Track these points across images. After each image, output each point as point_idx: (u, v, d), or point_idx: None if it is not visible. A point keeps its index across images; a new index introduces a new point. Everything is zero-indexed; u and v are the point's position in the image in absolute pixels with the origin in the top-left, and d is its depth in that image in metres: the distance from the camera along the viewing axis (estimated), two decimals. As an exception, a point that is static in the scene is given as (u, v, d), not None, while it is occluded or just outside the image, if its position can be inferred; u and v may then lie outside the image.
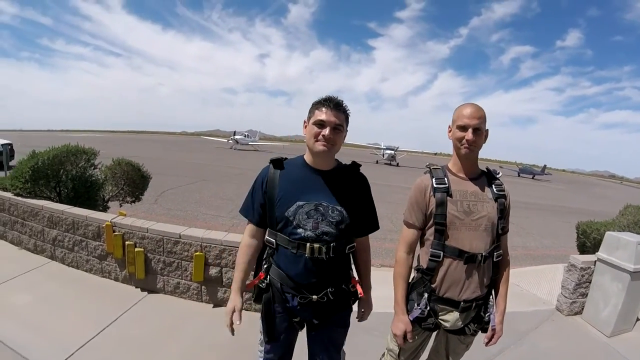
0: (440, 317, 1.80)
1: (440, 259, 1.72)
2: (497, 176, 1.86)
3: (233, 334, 1.73)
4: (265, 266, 1.81)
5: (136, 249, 3.62)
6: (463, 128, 1.69)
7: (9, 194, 4.66)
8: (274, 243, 1.72)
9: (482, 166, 1.91)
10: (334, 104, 1.64)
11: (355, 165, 1.83)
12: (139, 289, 3.75)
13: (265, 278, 1.78)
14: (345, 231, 1.71)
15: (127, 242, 3.66)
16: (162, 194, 10.45)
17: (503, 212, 1.78)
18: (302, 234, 1.64)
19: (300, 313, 1.76)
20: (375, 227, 1.89)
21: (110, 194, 5.61)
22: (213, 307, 3.56)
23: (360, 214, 1.78)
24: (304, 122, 1.72)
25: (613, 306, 3.78)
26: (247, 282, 1.83)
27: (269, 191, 1.70)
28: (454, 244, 1.71)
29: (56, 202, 4.62)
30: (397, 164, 36.03)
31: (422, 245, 1.85)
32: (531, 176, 45.32)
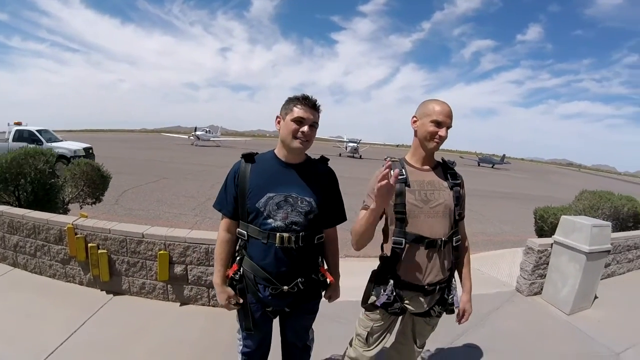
0: (405, 302, 1.88)
1: (403, 246, 1.80)
2: (452, 166, 1.96)
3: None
4: (237, 258, 1.87)
5: (99, 251, 3.55)
6: (438, 124, 1.76)
7: (-36, 201, 4.50)
8: (246, 235, 1.79)
9: (447, 158, 2.00)
10: (312, 103, 1.72)
11: (323, 160, 1.93)
12: (105, 291, 3.68)
13: (239, 270, 1.85)
14: (314, 221, 1.79)
15: (89, 244, 3.58)
16: (123, 193, 10.20)
17: (459, 200, 1.88)
18: (272, 224, 1.71)
19: (272, 303, 1.85)
20: (343, 218, 1.97)
21: (70, 195, 5.46)
22: (180, 305, 3.55)
23: (328, 206, 1.86)
24: (277, 117, 1.79)
25: (571, 286, 3.99)
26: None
27: (241, 184, 1.76)
28: (415, 231, 1.78)
29: (15, 206, 4.47)
30: (360, 156, 36.40)
31: (385, 236, 1.92)
32: (491, 165, 46.42)
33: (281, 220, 1.72)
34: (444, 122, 1.76)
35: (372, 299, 1.94)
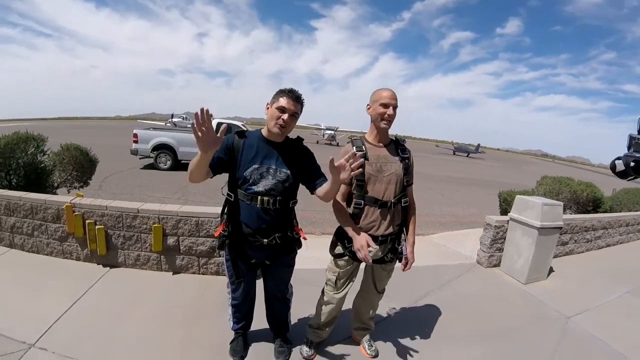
0: None
1: (362, 207, 2.26)
2: (403, 143, 2.40)
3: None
4: (226, 217, 2.26)
5: (97, 227, 3.81)
6: (385, 106, 2.14)
7: (-42, 184, 4.65)
8: (233, 197, 2.19)
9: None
10: (295, 96, 2.08)
11: (299, 139, 2.31)
12: (101, 265, 3.94)
13: (228, 227, 2.24)
14: (289, 189, 2.19)
15: (87, 221, 3.83)
16: (105, 179, 10.21)
17: (407, 170, 2.35)
18: (255, 189, 2.11)
19: (255, 255, 2.29)
20: (326, 178, 2.24)
21: (59, 179, 5.65)
22: (172, 274, 3.86)
23: (311, 172, 2.24)
24: (267, 104, 2.15)
25: (525, 258, 4.44)
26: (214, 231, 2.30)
27: (234, 154, 2.13)
28: (371, 194, 2.25)
29: (8, 190, 4.64)
30: (337, 143, 36.45)
31: (348, 199, 2.32)
32: (466, 154, 46.60)
33: (262, 186, 2.11)
34: (390, 103, 2.15)
35: (339, 248, 2.42)
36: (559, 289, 4.33)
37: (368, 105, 2.27)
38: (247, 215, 2.17)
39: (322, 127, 42.58)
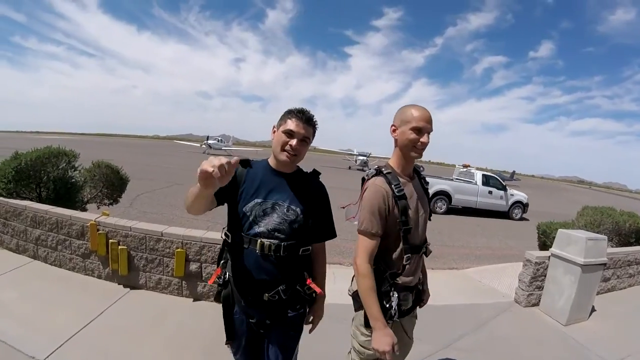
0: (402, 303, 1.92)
1: (410, 258, 1.79)
2: (421, 171, 2.01)
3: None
4: (222, 262, 1.85)
5: (120, 247, 3.77)
6: (419, 131, 1.67)
7: (-10, 194, 4.73)
8: (230, 238, 1.76)
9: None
10: (306, 118, 1.68)
11: (315, 173, 1.89)
12: (122, 285, 3.89)
13: (223, 274, 1.82)
14: (298, 231, 1.73)
15: (110, 240, 3.80)
16: (137, 197, 10.39)
17: (430, 203, 1.96)
18: (257, 230, 1.68)
19: (254, 312, 1.77)
20: (332, 234, 1.92)
21: (89, 195, 5.69)
22: (193, 300, 3.74)
23: (317, 220, 1.82)
24: (274, 127, 1.76)
25: (567, 297, 4.10)
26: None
27: (236, 185, 1.73)
28: (412, 242, 1.78)
29: (37, 202, 4.70)
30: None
31: (383, 249, 1.81)
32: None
33: (264, 226, 1.68)
34: (425, 127, 1.68)
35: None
36: (601, 331, 4.01)
37: (393, 126, 1.78)
38: (244, 262, 1.71)
39: (355, 153, 41.85)
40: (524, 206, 14.66)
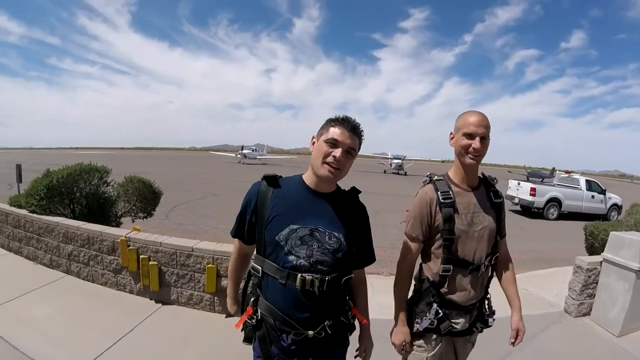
0: (452, 321, 1.81)
1: (450, 272, 1.73)
2: (494, 183, 1.87)
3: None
4: (252, 299, 1.60)
5: (150, 263, 3.74)
6: (470, 136, 1.64)
7: (24, 211, 4.85)
8: (260, 271, 1.53)
9: (491, 172, 1.94)
10: (352, 126, 1.49)
11: (354, 191, 1.66)
12: (153, 300, 3.86)
13: (255, 313, 1.56)
14: (342, 260, 1.53)
15: (141, 256, 3.78)
16: (173, 209, 10.56)
17: (500, 219, 1.82)
18: (294, 262, 1.45)
19: (296, 352, 1.53)
20: (372, 259, 1.73)
21: (123, 210, 5.76)
22: (225, 317, 3.66)
23: (357, 245, 1.61)
24: (313, 137, 1.56)
25: (620, 306, 3.81)
26: (237, 315, 1.75)
27: (259, 210, 1.52)
28: (461, 256, 1.72)
29: (70, 218, 4.78)
30: (405, 173, 35.88)
31: (427, 257, 1.84)
32: (540, 180, 45.10)
33: (305, 258, 1.45)
34: (475, 132, 1.62)
35: (417, 326, 1.84)
36: (659, 342, 3.67)
37: (451, 134, 1.74)
38: (282, 300, 1.48)
39: (390, 157, 41.58)
40: (619, 208, 14.83)
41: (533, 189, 14.09)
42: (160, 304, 3.81)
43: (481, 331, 1.94)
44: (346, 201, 1.60)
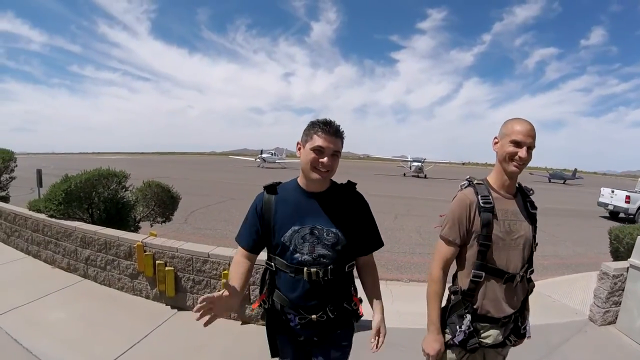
0: (482, 335, 1.77)
1: (482, 279, 1.70)
2: (530, 194, 1.86)
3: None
4: (266, 288, 1.82)
5: (166, 268, 3.75)
6: (517, 144, 1.64)
7: (43, 216, 4.93)
8: (274, 266, 1.73)
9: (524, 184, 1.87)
10: (334, 130, 1.60)
11: (350, 185, 1.78)
12: (169, 306, 3.86)
13: (268, 299, 1.80)
14: (343, 252, 1.68)
15: (157, 262, 3.79)
16: (192, 213, 10.61)
17: (536, 230, 1.80)
18: (300, 258, 1.63)
19: (302, 332, 1.75)
20: (379, 244, 1.84)
21: (142, 214, 5.81)
22: (241, 324, 3.63)
23: (361, 233, 1.75)
24: (298, 143, 1.68)
25: (648, 314, 3.65)
26: (252, 301, 1.92)
27: (266, 217, 1.70)
28: (496, 264, 1.70)
29: (89, 223, 4.83)
30: (425, 175, 35.67)
31: (460, 266, 1.81)
32: (562, 181, 44.08)
33: (308, 254, 1.63)
34: (524, 141, 1.63)
35: (447, 337, 1.80)
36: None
37: (496, 138, 1.75)
38: (292, 290, 1.69)
39: (409, 159, 41.08)
40: None
41: (628, 197, 14.82)
42: (175, 310, 3.80)
43: (515, 345, 1.88)
44: (343, 195, 1.75)
